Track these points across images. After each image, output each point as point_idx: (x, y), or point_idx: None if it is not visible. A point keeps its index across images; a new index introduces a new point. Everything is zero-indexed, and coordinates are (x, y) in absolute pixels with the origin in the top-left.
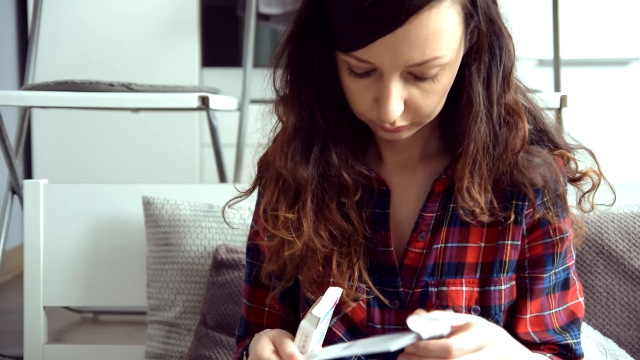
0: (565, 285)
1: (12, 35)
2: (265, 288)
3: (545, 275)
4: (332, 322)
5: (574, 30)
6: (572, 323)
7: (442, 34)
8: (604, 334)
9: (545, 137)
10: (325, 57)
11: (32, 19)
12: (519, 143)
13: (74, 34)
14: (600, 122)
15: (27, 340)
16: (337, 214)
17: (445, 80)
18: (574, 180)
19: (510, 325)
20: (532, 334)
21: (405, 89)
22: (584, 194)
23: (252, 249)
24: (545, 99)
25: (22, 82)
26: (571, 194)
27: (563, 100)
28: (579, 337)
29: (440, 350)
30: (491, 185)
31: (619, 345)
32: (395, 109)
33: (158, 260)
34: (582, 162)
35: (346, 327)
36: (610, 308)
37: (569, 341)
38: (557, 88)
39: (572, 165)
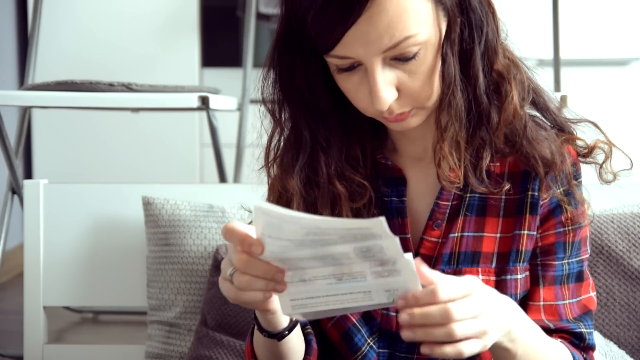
0: (580, 277)
1: (12, 35)
2: None
3: (557, 263)
4: None
5: (574, 30)
6: (585, 315)
7: (406, 13)
8: (604, 334)
9: (548, 116)
10: (307, 66)
11: (32, 20)
12: (511, 112)
13: (73, 34)
14: (600, 122)
15: (27, 340)
16: None
17: (429, 59)
18: (585, 155)
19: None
20: (547, 322)
21: (393, 75)
22: (601, 165)
23: None
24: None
25: (22, 82)
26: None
27: (563, 100)
28: (592, 328)
29: (426, 295)
30: (491, 157)
31: (619, 346)
32: (385, 96)
33: (158, 260)
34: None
35: (360, 314)
36: (610, 308)
37: (582, 330)
38: (557, 88)
39: (580, 143)
